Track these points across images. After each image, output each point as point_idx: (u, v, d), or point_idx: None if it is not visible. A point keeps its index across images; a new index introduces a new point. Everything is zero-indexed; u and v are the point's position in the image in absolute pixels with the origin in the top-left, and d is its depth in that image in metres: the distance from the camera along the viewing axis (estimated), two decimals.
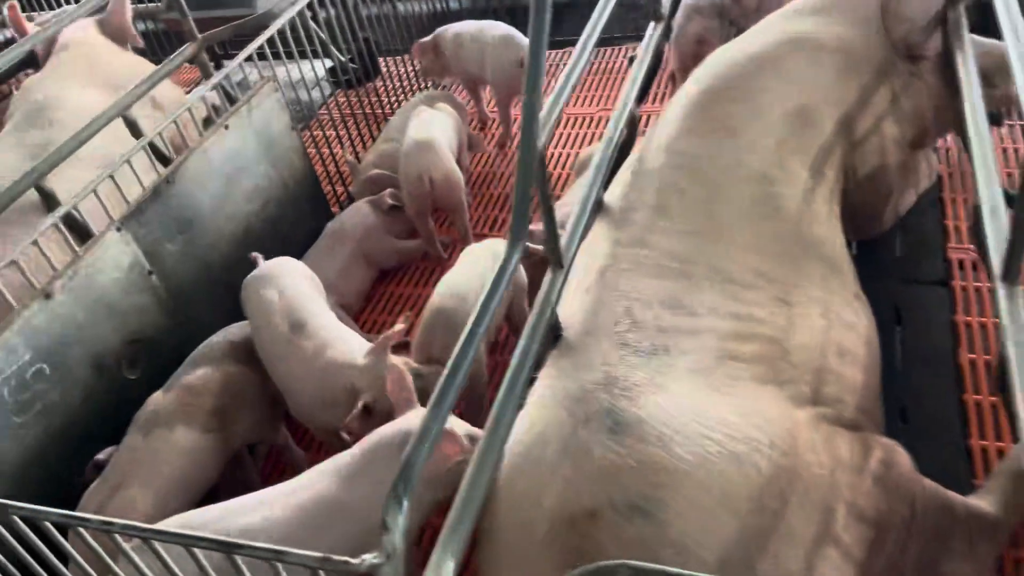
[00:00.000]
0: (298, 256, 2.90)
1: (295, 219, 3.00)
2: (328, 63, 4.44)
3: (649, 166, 2.04)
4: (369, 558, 1.15)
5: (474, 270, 2.33)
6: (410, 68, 4.03)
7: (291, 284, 2.36)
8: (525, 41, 3.22)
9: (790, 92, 2.10)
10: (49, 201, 2.79)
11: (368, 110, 3.82)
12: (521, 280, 2.38)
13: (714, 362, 1.71)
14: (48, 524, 1.33)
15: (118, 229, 2.28)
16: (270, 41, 3.13)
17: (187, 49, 3.39)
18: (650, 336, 1.74)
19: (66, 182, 2.66)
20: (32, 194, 2.62)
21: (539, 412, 1.68)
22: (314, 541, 1.67)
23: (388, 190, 3.08)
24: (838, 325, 1.91)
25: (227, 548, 1.21)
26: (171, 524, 1.65)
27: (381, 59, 4.21)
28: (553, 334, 1.79)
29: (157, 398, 2.10)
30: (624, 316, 1.78)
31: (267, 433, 2.24)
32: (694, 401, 1.62)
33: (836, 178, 2.18)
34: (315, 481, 1.73)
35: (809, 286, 1.93)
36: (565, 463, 1.56)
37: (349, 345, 2.09)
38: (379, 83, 4.03)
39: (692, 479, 1.50)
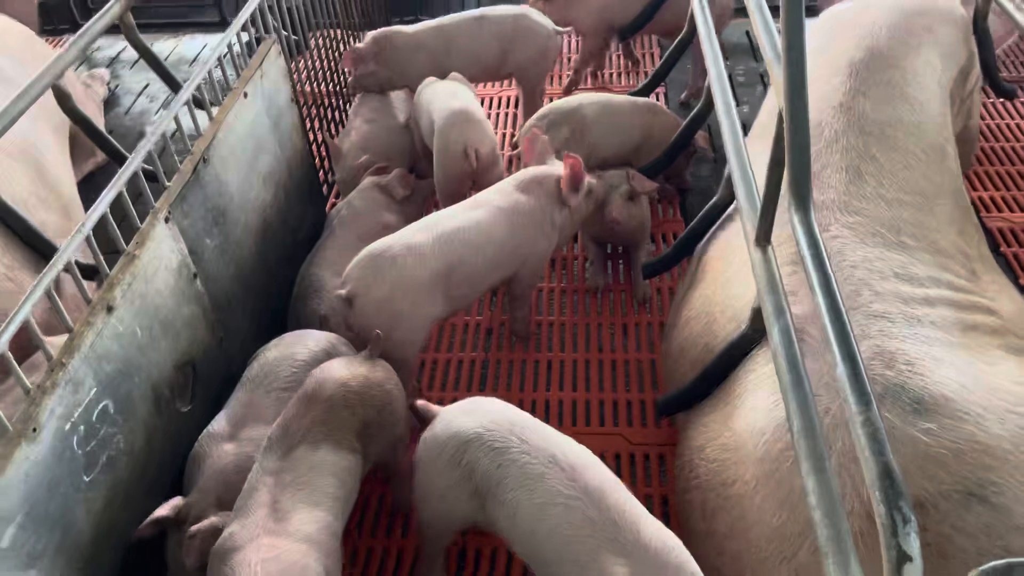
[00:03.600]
0: (306, 252, 2.47)
1: (300, 211, 2.54)
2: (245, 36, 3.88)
3: (824, 127, 1.90)
4: None
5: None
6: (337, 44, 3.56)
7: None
8: (545, 19, 2.97)
9: (943, 61, 2.08)
10: None
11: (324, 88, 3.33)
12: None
13: (961, 334, 1.61)
14: None
15: (166, 219, 1.75)
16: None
17: (113, 7, 2.78)
18: (898, 308, 1.61)
19: None
20: None
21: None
22: None
23: (395, 173, 2.68)
24: (1014, 294, 1.91)
25: None
26: None
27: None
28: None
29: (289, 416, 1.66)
30: (862, 287, 1.64)
31: (395, 455, 1.84)
32: (974, 373, 1.51)
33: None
34: None
35: (979, 259, 1.91)
36: None
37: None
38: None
39: (1015, 458, 1.39)
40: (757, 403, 1.61)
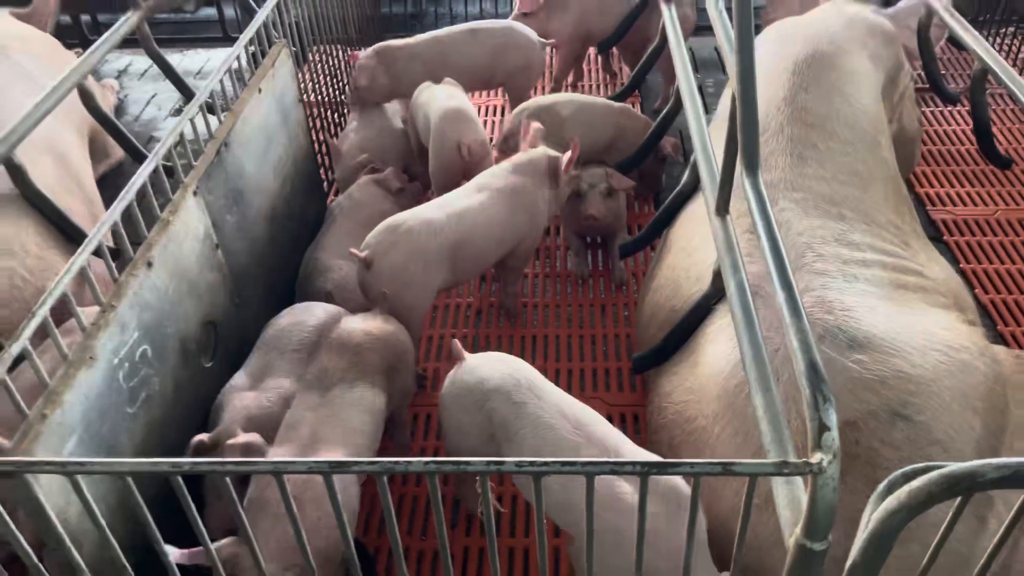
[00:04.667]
0: (309, 239, 2.69)
1: (304, 201, 2.76)
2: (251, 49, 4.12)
3: (771, 118, 2.16)
4: (823, 456, 1.13)
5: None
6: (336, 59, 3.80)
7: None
8: (531, 32, 3.24)
9: (874, 65, 2.36)
10: (18, 175, 2.37)
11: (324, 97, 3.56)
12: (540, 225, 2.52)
13: (893, 290, 1.86)
14: None
15: (195, 193, 1.97)
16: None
17: (132, 18, 3.01)
18: (837, 267, 1.85)
19: None
20: None
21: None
22: None
23: (390, 169, 2.94)
24: (943, 264, 2.16)
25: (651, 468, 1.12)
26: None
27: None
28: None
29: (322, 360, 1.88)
30: (806, 250, 1.88)
31: (405, 403, 2.06)
32: (903, 319, 1.75)
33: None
34: None
35: (913, 234, 2.17)
36: None
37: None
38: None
39: (935, 385, 1.62)
40: (716, 350, 1.84)
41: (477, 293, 2.80)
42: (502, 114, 3.72)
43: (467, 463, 1.16)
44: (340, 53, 3.58)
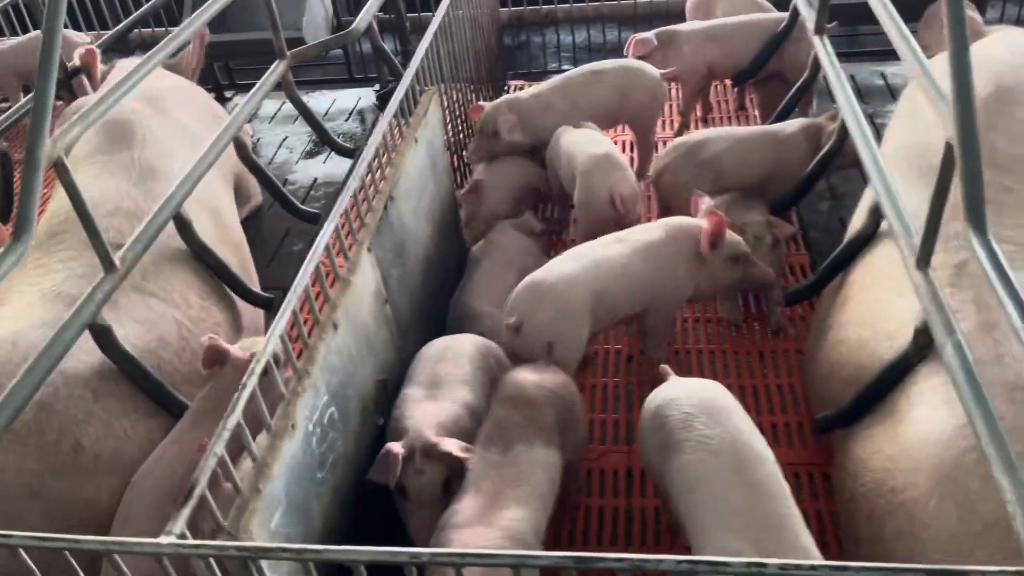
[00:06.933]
0: (454, 283, 2.67)
1: (449, 246, 2.75)
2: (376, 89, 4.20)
3: None
4: None
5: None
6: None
7: None
8: (652, 68, 3.19)
9: None
10: (186, 230, 2.43)
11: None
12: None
13: None
14: None
15: (369, 250, 1.97)
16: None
17: (278, 67, 3.08)
18: None
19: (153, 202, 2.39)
20: None
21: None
22: None
23: (527, 214, 2.93)
24: None
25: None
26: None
27: None
28: None
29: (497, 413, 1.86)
30: None
31: (577, 453, 2.03)
32: None
33: None
34: None
35: None
36: None
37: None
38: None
39: None
40: (924, 415, 1.71)
41: (625, 338, 2.73)
42: (631, 149, 3.66)
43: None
44: (468, 93, 3.58)
